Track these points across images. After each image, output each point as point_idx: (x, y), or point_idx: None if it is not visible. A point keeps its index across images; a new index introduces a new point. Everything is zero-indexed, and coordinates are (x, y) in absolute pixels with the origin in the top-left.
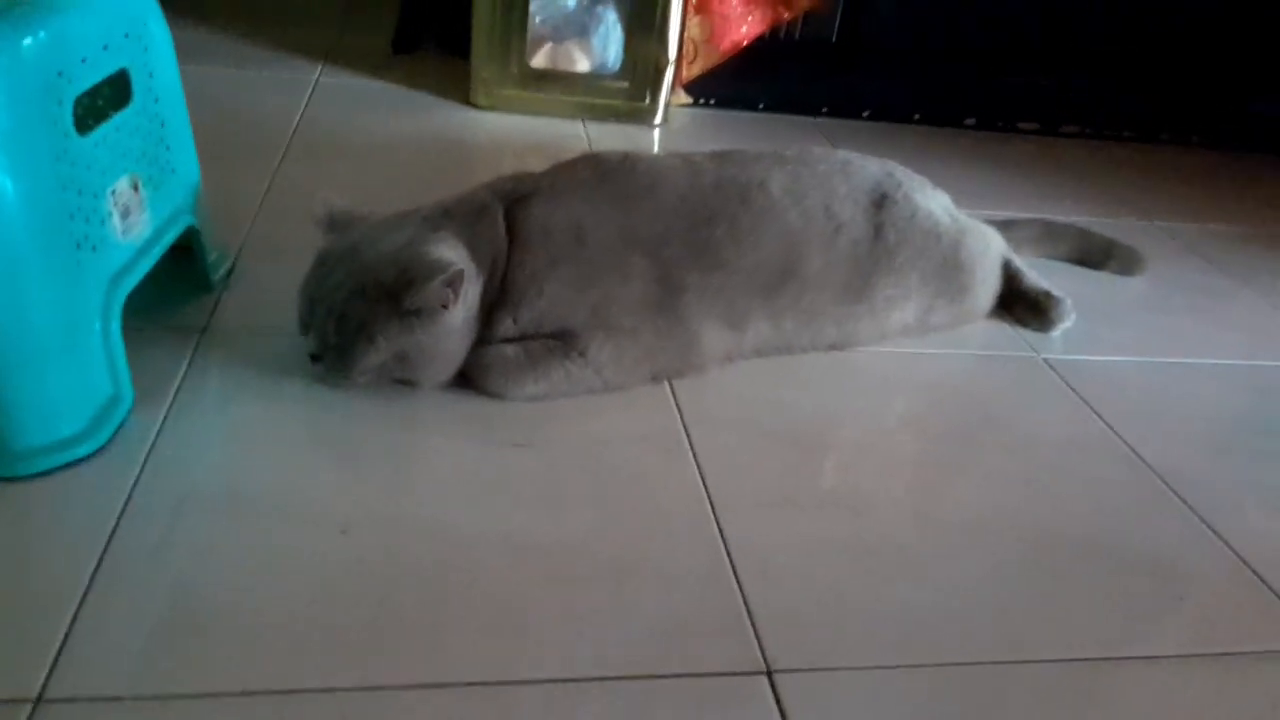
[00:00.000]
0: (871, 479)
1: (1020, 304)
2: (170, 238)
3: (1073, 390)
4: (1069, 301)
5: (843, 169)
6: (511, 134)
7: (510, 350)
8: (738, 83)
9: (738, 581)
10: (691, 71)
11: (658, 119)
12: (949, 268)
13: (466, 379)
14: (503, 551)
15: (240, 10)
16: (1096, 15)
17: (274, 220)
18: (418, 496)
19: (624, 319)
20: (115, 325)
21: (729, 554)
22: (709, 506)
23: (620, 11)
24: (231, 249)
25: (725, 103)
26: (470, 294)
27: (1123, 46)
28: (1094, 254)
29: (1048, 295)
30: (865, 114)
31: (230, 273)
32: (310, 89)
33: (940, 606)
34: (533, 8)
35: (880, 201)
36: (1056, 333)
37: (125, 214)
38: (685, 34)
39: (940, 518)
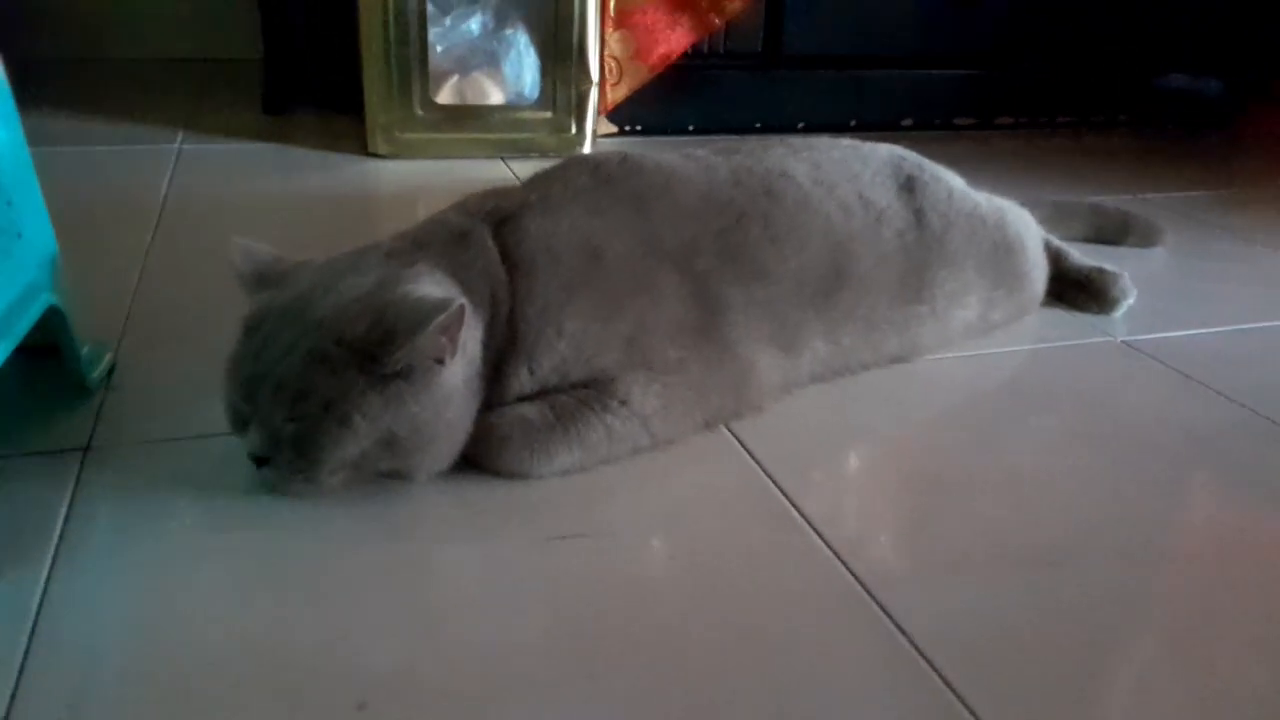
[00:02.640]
0: (1037, 512)
1: (1071, 287)
2: (25, 323)
3: (1177, 371)
4: (1126, 276)
5: (854, 151)
6: (423, 182)
7: (531, 411)
8: (664, 106)
9: (940, 676)
10: (616, 94)
11: (585, 148)
12: (1001, 252)
13: (471, 459)
14: (601, 687)
15: (78, 89)
16: (1018, 11)
17: (154, 306)
18: (448, 635)
19: (667, 351)
20: None
21: (911, 641)
22: (851, 578)
23: (531, 34)
24: (108, 344)
25: (654, 128)
26: (470, 343)
27: (1047, 38)
28: (1110, 229)
29: (1101, 272)
30: (800, 125)
31: (111, 373)
32: (174, 159)
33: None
34: (431, 37)
35: (909, 184)
36: (1120, 312)
37: None
38: (605, 52)
39: (1158, 550)
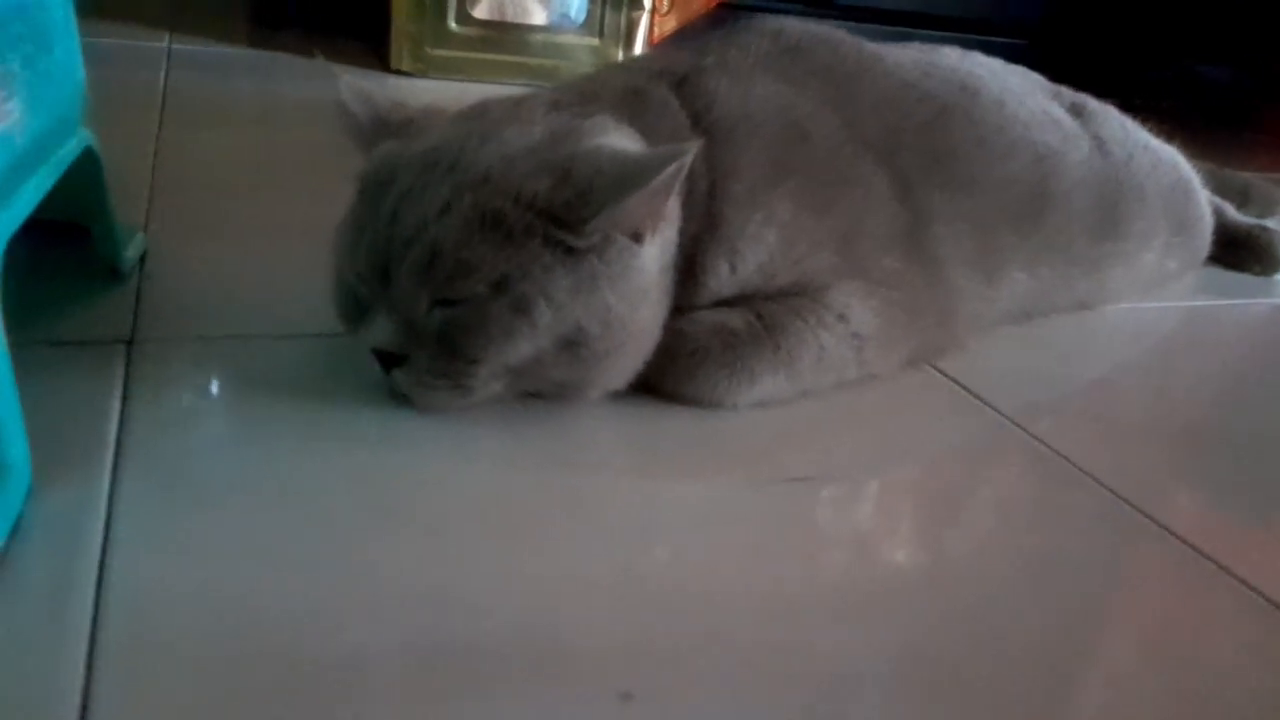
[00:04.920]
0: None
1: (1230, 244)
2: (61, 160)
3: None
4: None
5: (1003, 64)
6: (450, 105)
7: (734, 319)
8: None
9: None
10: (665, 26)
11: None
12: (1179, 193)
13: (644, 380)
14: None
15: None
16: None
17: (174, 196)
18: (708, 604)
19: (882, 258)
20: None
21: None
22: (1187, 548)
23: None
24: (135, 226)
25: None
26: (669, 224)
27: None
28: (1231, 195)
29: (1264, 230)
30: None
31: (143, 259)
32: (165, 59)
33: None
34: None
35: (1077, 110)
36: None
37: None
38: None
39: None
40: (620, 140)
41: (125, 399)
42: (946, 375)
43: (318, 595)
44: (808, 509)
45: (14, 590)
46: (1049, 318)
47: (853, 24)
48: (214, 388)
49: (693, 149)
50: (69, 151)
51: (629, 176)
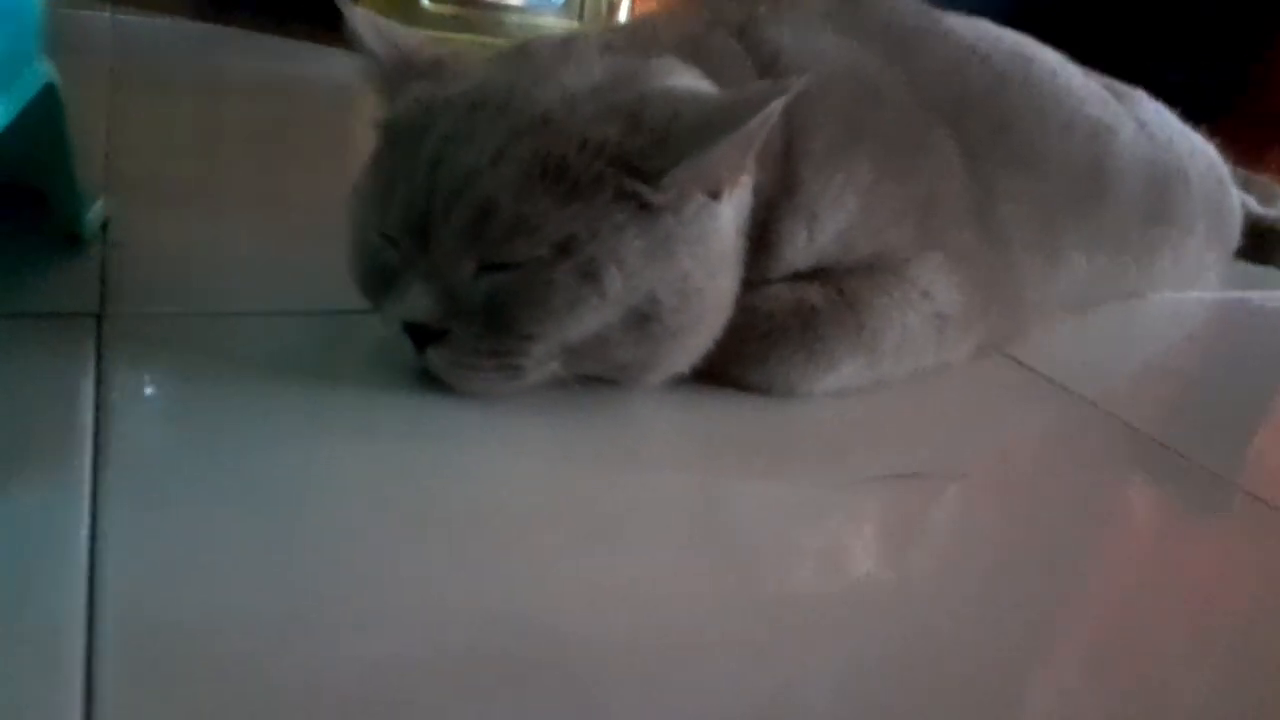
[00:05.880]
0: None
1: (1255, 237)
2: (20, 92)
3: None
4: None
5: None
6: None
7: (813, 294)
8: None
9: None
10: (646, 6)
11: None
12: (1212, 181)
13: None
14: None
15: None
16: None
17: (132, 164)
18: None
19: (961, 231)
20: None
21: None
22: None
23: None
24: (94, 191)
25: None
26: (741, 187)
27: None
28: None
29: None
30: None
31: (104, 226)
32: (109, 28)
33: None
34: None
35: (1111, 90)
36: None
37: None
38: None
39: None
40: (692, 83)
41: (99, 381)
42: (1018, 361)
43: (344, 611)
44: (910, 508)
45: None
46: (1098, 307)
47: None
48: (201, 369)
49: (795, 86)
50: (27, 84)
51: (715, 121)
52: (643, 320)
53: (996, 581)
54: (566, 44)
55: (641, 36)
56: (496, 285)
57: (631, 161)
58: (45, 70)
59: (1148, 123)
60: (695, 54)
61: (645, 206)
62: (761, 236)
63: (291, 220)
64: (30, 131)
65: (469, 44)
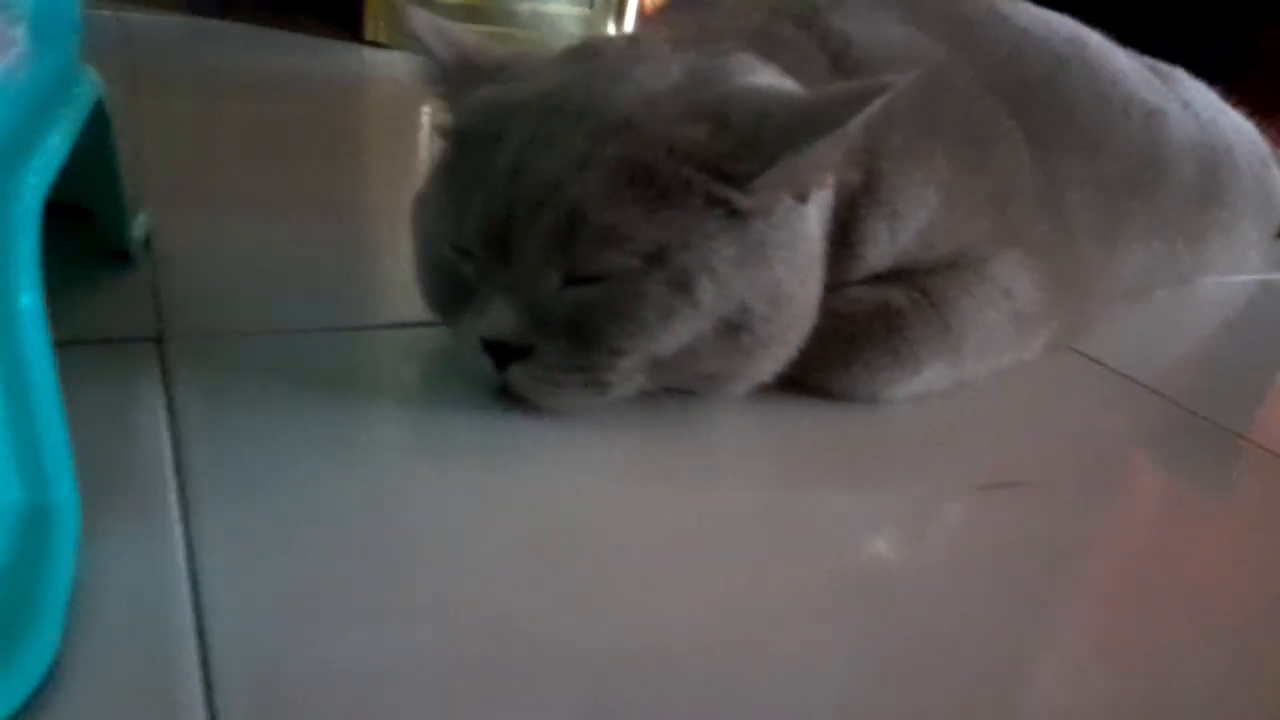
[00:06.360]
0: None
1: None
2: (80, 105)
3: None
4: None
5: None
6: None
7: (897, 295)
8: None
9: None
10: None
11: None
12: (1257, 162)
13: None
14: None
15: None
16: None
17: (168, 167)
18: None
19: (1036, 223)
20: (29, 298)
21: None
22: None
23: None
24: (135, 205)
25: None
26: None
27: None
28: None
29: None
30: None
31: (148, 241)
32: (114, 24)
33: None
34: None
35: (1153, 70)
36: None
37: None
38: None
39: None
40: (773, 80)
41: (171, 411)
42: (1085, 354)
43: (471, 653)
44: (1019, 519)
45: (104, 665)
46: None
47: None
48: (270, 392)
49: (898, 84)
50: (84, 97)
51: (809, 121)
52: (734, 330)
53: (1113, 591)
54: (633, 42)
55: (711, 29)
56: (583, 298)
57: (720, 165)
58: (93, 81)
59: (1191, 102)
60: (765, 48)
61: (735, 212)
62: (842, 238)
63: (337, 224)
64: (80, 146)
65: (483, 35)
